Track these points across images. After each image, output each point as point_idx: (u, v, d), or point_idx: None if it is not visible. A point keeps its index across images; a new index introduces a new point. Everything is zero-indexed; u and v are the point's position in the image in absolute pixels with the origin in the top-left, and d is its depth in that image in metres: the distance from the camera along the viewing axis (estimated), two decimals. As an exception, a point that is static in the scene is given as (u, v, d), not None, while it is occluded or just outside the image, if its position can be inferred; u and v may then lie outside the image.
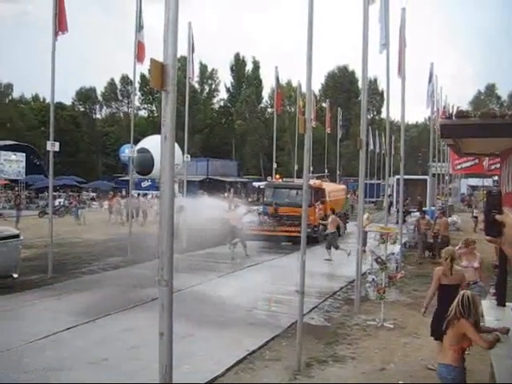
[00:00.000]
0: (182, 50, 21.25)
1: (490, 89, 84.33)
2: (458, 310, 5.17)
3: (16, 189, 45.23)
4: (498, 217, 2.05)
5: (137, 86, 63.31)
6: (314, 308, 11.48)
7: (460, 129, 5.68)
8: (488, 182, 53.01)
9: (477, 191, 60.35)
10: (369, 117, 71.26)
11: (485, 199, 2.26)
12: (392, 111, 72.23)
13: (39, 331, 9.24)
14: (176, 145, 18.33)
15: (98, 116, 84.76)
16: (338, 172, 46.03)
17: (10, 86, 73.58)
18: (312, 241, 19.32)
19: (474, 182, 63.22)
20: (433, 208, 27.15)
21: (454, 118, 5.53)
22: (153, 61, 4.16)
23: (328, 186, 26.75)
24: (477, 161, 25.23)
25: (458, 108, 5.54)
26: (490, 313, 7.17)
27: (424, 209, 26.60)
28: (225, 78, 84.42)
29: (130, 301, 11.58)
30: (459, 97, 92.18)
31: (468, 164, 26.63)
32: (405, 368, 7.77)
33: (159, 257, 4.31)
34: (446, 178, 38.35)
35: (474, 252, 9.42)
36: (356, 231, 13.14)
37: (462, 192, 64.14)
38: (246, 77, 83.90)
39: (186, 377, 6.69)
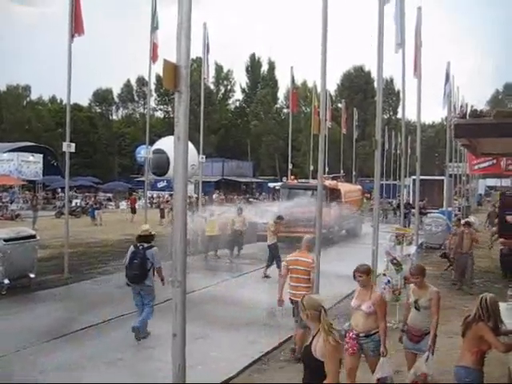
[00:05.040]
0: (198, 51, 21.27)
1: (509, 88, 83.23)
2: (478, 314, 5.14)
3: (34, 190, 45.76)
4: (509, 217, 1.99)
5: (153, 87, 63.93)
6: (328, 309, 11.40)
7: (474, 128, 5.61)
8: (506, 182, 52.43)
9: (493, 191, 59.74)
10: (385, 117, 70.75)
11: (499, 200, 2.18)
12: (408, 111, 71.75)
13: (54, 331, 9.33)
14: (191, 145, 18.45)
15: (115, 117, 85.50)
16: (353, 172, 45.80)
17: (27, 88, 74.32)
18: (327, 241, 19.21)
19: (491, 182, 62.62)
20: (449, 209, 26.88)
21: (467, 117, 5.46)
22: (165, 62, 4.16)
23: (344, 187, 26.62)
24: (494, 161, 24.99)
25: (472, 107, 5.47)
26: (509, 315, 7.07)
27: (442, 210, 26.39)
28: (240, 79, 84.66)
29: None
30: (477, 96, 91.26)
31: (485, 164, 26.39)
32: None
33: (172, 258, 4.31)
34: (464, 178, 37.97)
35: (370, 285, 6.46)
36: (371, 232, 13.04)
37: (480, 193, 63.50)
38: (261, 77, 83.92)
39: (200, 378, 6.67)
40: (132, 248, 9.20)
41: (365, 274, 6.23)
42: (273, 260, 15.44)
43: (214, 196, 42.01)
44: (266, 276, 15.03)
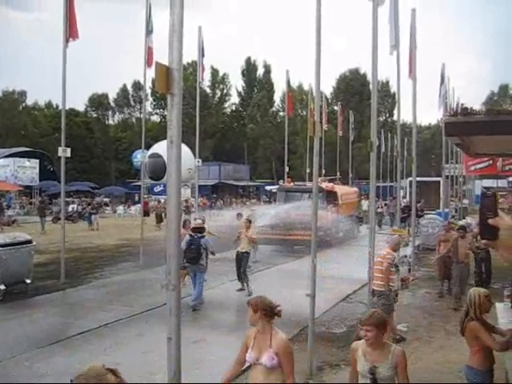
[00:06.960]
0: (194, 55, 21.27)
1: (504, 89, 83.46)
2: (467, 310, 5.11)
3: (42, 197, 45.74)
4: (490, 221, 1.97)
5: (148, 91, 63.86)
6: (326, 311, 11.40)
7: (464, 126, 5.57)
8: (503, 183, 52.57)
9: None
10: (381, 119, 70.88)
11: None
12: (404, 113, 72.04)
13: (50, 336, 9.30)
14: (188, 149, 18.87)
15: (111, 122, 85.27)
16: (350, 175, 45.82)
17: (23, 94, 73.99)
18: (324, 244, 19.22)
19: (488, 183, 62.69)
20: (446, 210, 26.90)
21: (458, 115, 5.44)
22: (158, 64, 4.14)
23: (340, 189, 26.61)
24: (490, 162, 25.05)
25: (462, 105, 5.46)
26: (505, 315, 7.07)
27: (439, 211, 26.41)
28: (236, 83, 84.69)
29: (141, 305, 11.60)
30: (472, 98, 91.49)
31: (482, 165, 26.43)
32: (417, 371, 7.66)
33: (167, 261, 4.29)
34: (460, 179, 38.03)
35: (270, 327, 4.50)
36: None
37: (477, 193, 63.58)
38: (257, 81, 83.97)
39: (197, 381, 6.65)
40: (188, 237, 11.63)
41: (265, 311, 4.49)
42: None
43: (199, 200, 36.13)
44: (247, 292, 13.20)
